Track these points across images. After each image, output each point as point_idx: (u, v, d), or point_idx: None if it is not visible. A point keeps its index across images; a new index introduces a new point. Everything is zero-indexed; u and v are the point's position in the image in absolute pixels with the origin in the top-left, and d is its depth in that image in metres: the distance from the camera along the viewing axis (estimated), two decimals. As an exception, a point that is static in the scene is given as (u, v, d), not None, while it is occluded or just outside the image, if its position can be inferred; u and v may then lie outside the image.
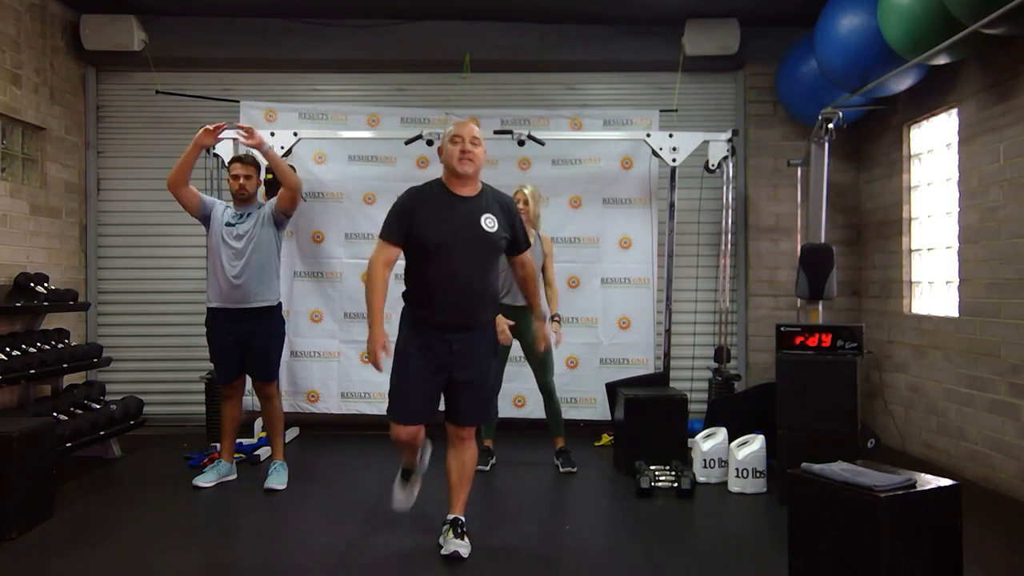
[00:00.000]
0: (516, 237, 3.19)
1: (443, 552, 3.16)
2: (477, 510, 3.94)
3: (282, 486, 4.18)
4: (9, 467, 3.39)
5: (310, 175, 5.67)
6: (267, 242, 4.22)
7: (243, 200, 4.24)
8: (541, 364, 4.62)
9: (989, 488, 4.24)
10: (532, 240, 4.56)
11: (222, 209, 4.27)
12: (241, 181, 4.21)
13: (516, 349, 4.67)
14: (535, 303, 3.38)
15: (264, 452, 4.93)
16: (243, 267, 4.14)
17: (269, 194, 5.24)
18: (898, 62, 4.36)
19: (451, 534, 3.19)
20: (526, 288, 3.37)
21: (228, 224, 4.20)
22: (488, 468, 4.60)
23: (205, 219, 4.24)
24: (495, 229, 3.07)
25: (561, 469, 4.62)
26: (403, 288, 3.16)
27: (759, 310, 5.94)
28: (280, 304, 4.38)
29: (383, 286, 3.05)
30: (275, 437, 4.40)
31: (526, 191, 4.63)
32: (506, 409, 4.63)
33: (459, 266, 3.01)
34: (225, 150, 5.24)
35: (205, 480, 4.20)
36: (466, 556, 3.15)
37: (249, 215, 4.23)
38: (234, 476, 4.36)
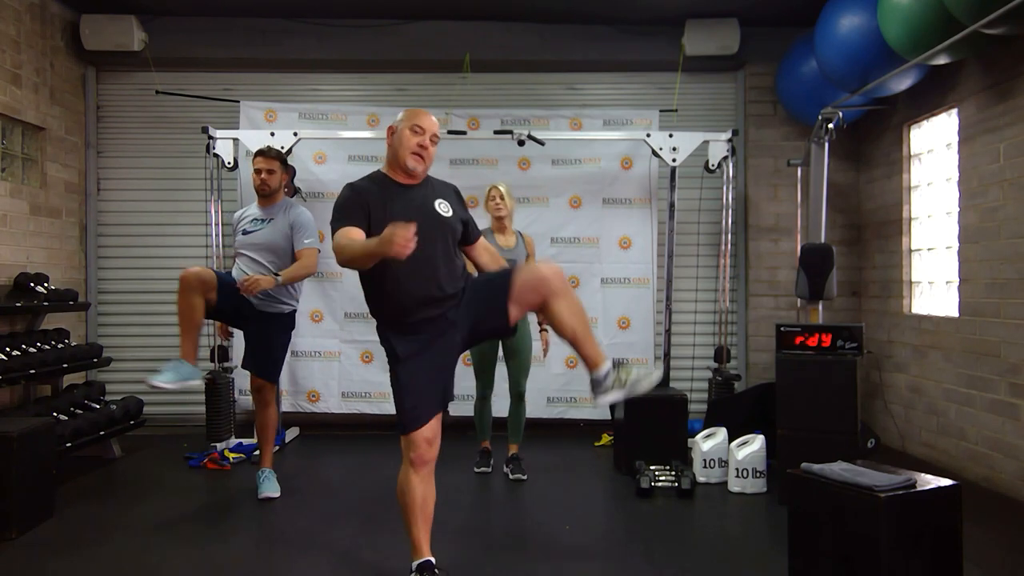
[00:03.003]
0: (469, 223, 2.96)
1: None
2: (477, 510, 3.95)
3: (277, 493, 4.08)
4: (9, 467, 3.40)
5: (310, 175, 5.68)
6: (281, 245, 4.07)
7: (266, 196, 4.12)
8: (519, 366, 4.50)
9: (989, 488, 4.23)
10: (514, 240, 4.55)
11: (242, 218, 4.19)
12: (263, 176, 4.08)
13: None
14: None
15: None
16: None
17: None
18: (898, 62, 4.36)
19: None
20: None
21: (245, 232, 4.10)
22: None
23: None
24: (450, 215, 2.83)
25: (511, 476, 4.46)
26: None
27: (759, 310, 5.94)
28: (294, 311, 4.19)
29: (359, 240, 2.66)
30: (267, 444, 4.21)
31: (501, 187, 4.51)
32: (505, 410, 4.62)
33: (422, 257, 2.62)
34: (225, 150, 5.24)
35: (163, 380, 3.64)
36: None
37: (271, 221, 4.08)
38: (198, 380, 3.89)
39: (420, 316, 2.76)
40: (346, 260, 2.66)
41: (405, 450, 2.78)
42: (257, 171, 4.11)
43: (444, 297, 2.77)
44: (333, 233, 2.74)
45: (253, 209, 4.19)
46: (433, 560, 2.82)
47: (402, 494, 2.80)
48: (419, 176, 2.88)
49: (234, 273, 4.11)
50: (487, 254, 3.08)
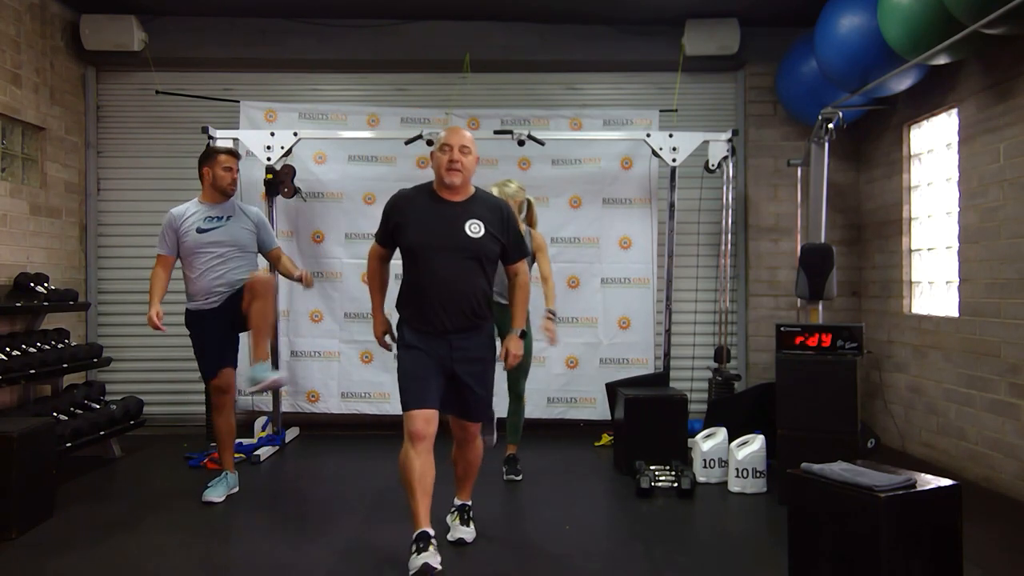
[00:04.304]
0: (508, 244, 3.14)
1: (449, 538, 3.33)
2: (477, 510, 3.94)
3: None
4: (9, 467, 3.39)
5: (310, 175, 5.67)
6: (246, 241, 4.08)
7: (228, 195, 4.05)
8: (517, 367, 4.44)
9: (989, 488, 4.24)
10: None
11: (186, 216, 4.00)
12: (234, 174, 4.04)
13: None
14: (515, 314, 3.27)
15: (264, 452, 4.93)
16: (226, 272, 3.98)
17: (269, 194, 5.27)
18: (898, 62, 4.36)
19: (458, 520, 3.42)
20: (512, 297, 3.30)
21: (200, 230, 3.96)
22: (520, 478, 4.45)
23: (176, 242, 4.02)
24: (480, 235, 3.03)
25: (505, 476, 4.43)
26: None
27: (759, 310, 5.94)
28: None
29: (378, 279, 3.25)
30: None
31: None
32: (504, 409, 4.61)
33: (441, 271, 3.01)
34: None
35: (216, 495, 3.97)
36: (470, 541, 3.34)
37: (228, 218, 4.02)
38: (237, 488, 4.14)
39: (431, 320, 3.02)
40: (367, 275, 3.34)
41: (405, 426, 2.98)
42: (228, 169, 4.03)
43: (459, 316, 3.03)
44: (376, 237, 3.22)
45: (198, 207, 4.03)
46: (430, 531, 2.94)
47: (402, 469, 3.00)
48: (459, 189, 3.07)
49: (199, 282, 3.99)
50: (514, 277, 3.27)
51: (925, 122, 5.15)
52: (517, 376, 4.47)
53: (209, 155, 4.09)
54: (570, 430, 5.72)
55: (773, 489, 4.14)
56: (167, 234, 4.01)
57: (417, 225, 3.04)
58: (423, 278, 3.03)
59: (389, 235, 3.13)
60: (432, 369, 3.04)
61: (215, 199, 4.05)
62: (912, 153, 5.29)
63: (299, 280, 4.19)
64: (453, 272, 3.02)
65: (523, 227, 4.51)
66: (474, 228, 3.04)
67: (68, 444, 4.26)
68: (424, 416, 2.97)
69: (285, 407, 5.63)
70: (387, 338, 3.24)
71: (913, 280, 5.25)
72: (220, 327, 4.01)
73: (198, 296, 4.02)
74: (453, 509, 3.48)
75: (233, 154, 4.12)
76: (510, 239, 3.14)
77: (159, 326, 3.98)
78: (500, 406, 4.65)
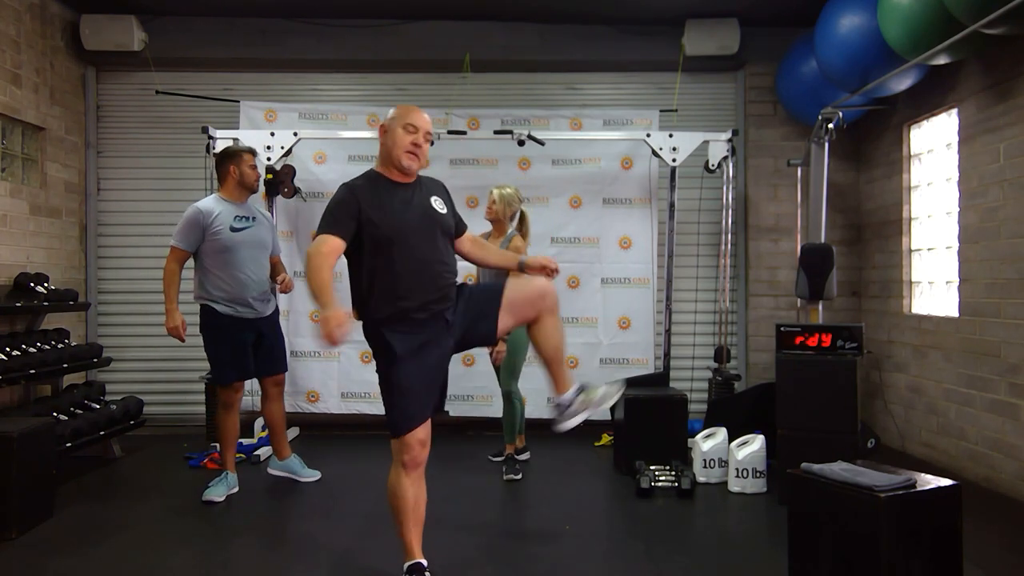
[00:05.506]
0: (458, 217, 3.03)
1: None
2: (477, 510, 3.94)
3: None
4: (9, 467, 3.40)
5: (310, 175, 5.67)
6: (270, 244, 4.24)
7: (253, 193, 4.17)
8: (506, 365, 4.44)
9: (989, 488, 4.24)
10: (497, 246, 4.40)
11: (215, 213, 3.96)
12: (257, 172, 4.17)
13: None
14: (506, 259, 3.16)
15: (264, 452, 4.93)
16: (260, 277, 4.06)
17: (269, 194, 5.27)
18: (898, 62, 4.36)
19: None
20: (487, 258, 3.12)
21: (234, 229, 3.98)
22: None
23: (202, 238, 3.96)
24: (445, 212, 2.90)
25: (504, 476, 4.44)
26: (352, 303, 2.85)
27: (759, 310, 5.94)
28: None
29: (329, 272, 2.64)
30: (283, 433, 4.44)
31: (494, 191, 4.49)
32: (500, 410, 4.62)
33: (422, 254, 2.76)
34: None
35: (216, 494, 3.98)
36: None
37: (255, 219, 4.10)
38: (236, 488, 4.15)
39: (420, 315, 2.77)
40: (307, 271, 2.67)
41: (397, 453, 2.80)
42: (253, 167, 4.14)
43: (442, 296, 2.80)
44: (319, 232, 2.73)
45: (223, 204, 4.02)
46: (424, 562, 2.81)
47: (393, 497, 2.82)
48: (413, 174, 2.90)
49: (232, 284, 3.97)
50: (468, 243, 3.08)
51: (925, 122, 5.15)
52: (503, 374, 4.49)
53: (234, 154, 4.12)
54: (570, 430, 5.71)
55: (773, 489, 4.14)
56: (191, 230, 3.94)
57: (387, 211, 2.75)
58: (404, 265, 2.72)
59: (353, 225, 2.72)
60: (427, 376, 2.78)
61: (240, 197, 4.12)
62: (912, 153, 5.29)
63: (279, 283, 4.26)
64: (432, 256, 2.79)
65: (510, 229, 4.52)
66: (438, 205, 2.88)
67: (68, 444, 4.26)
68: (419, 439, 2.76)
69: (285, 407, 5.61)
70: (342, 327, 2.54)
71: (913, 280, 5.25)
72: (249, 340, 4.09)
73: (225, 300, 3.98)
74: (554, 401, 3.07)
75: (255, 153, 4.24)
76: (456, 212, 3.02)
77: (183, 336, 4.00)
78: (497, 406, 4.68)
